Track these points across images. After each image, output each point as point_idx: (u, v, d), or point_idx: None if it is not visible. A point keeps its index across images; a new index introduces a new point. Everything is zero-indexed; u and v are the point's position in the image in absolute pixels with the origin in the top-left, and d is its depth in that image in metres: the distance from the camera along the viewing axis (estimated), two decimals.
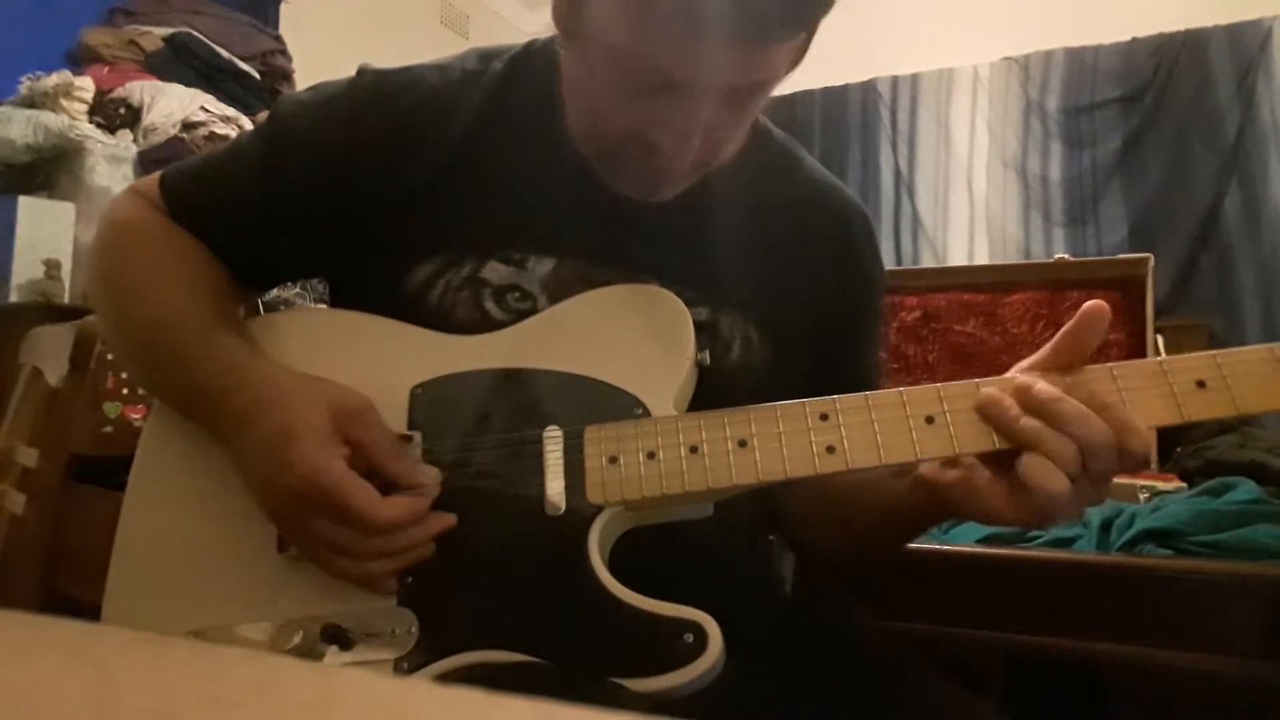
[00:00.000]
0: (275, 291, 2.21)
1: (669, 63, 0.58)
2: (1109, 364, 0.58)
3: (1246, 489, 1.05)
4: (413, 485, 0.60)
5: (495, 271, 0.70)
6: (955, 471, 0.59)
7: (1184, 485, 1.26)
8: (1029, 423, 0.55)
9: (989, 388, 0.58)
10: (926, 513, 0.64)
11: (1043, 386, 0.56)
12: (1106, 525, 1.03)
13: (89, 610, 0.75)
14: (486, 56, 0.77)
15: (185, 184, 0.76)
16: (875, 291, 0.83)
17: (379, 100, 0.73)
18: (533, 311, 0.69)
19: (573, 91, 0.69)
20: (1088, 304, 0.58)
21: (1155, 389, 0.56)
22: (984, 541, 1.05)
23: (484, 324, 0.69)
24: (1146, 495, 1.20)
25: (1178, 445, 1.49)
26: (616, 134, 0.65)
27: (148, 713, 0.17)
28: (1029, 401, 0.56)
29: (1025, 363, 0.60)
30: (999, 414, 0.56)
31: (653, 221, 0.71)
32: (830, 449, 0.58)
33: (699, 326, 0.67)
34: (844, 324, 0.79)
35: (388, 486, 0.60)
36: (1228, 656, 0.85)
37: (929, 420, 0.58)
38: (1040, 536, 1.05)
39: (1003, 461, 0.57)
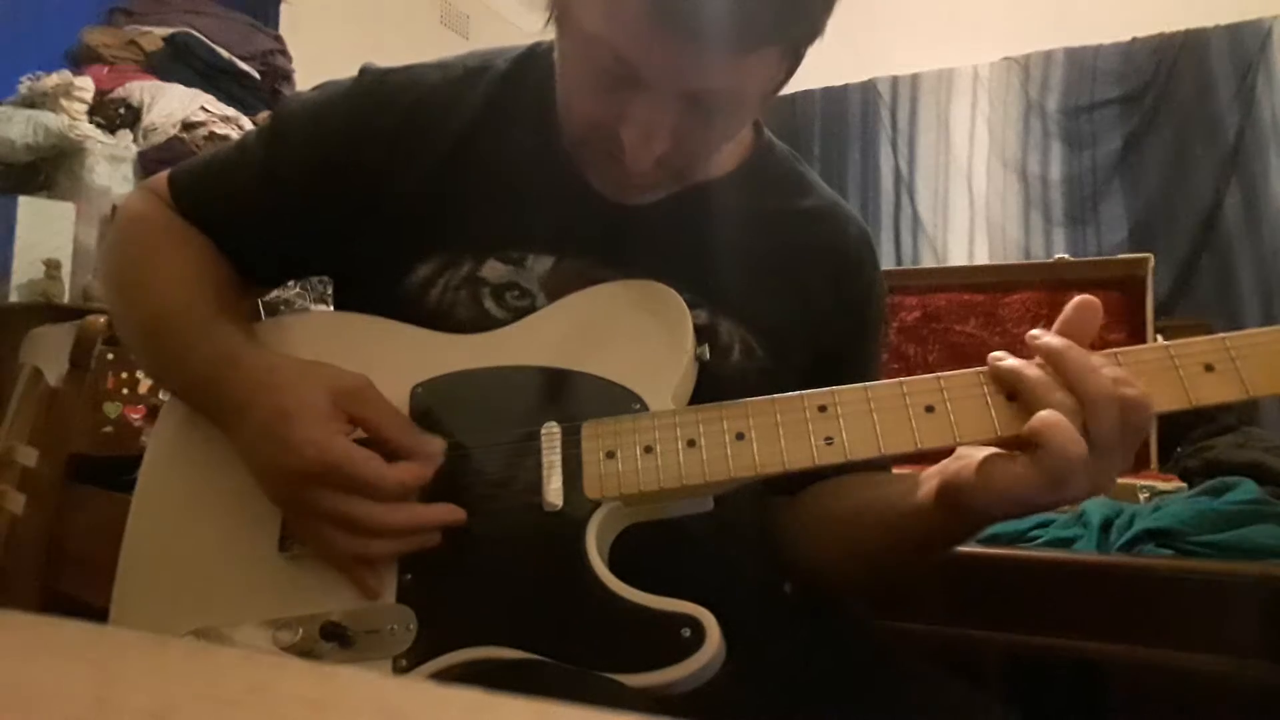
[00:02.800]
0: (275, 291, 2.21)
1: (634, 57, 0.58)
2: (1114, 349, 0.57)
3: (1246, 489, 1.05)
4: (420, 454, 0.61)
5: (494, 270, 0.70)
6: (958, 462, 0.58)
7: (1184, 485, 1.26)
8: (1036, 375, 0.55)
9: (1000, 351, 0.57)
10: (937, 518, 0.62)
11: (1050, 338, 0.56)
12: (1106, 525, 1.03)
13: (89, 610, 0.75)
14: (490, 56, 0.77)
15: (192, 181, 0.78)
16: (874, 308, 0.82)
17: (380, 98, 0.73)
18: (532, 309, 0.69)
19: (558, 79, 0.69)
20: (1078, 297, 0.57)
21: (1162, 373, 0.55)
22: (984, 541, 1.05)
23: (484, 322, 0.69)
24: (1146, 495, 1.20)
25: (1178, 445, 1.49)
26: (585, 125, 0.65)
27: (147, 713, 0.17)
28: (1037, 348, 0.56)
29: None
30: (1007, 371, 0.56)
31: (652, 225, 0.71)
32: (829, 440, 0.58)
33: (698, 329, 0.67)
34: (842, 339, 0.79)
35: (392, 461, 0.60)
36: (1228, 656, 0.85)
37: (929, 409, 0.57)
38: (1040, 536, 1.05)
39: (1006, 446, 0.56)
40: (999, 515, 0.61)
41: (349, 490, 0.58)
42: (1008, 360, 0.57)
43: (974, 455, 0.58)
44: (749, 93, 0.63)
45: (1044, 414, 0.53)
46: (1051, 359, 0.55)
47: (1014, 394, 0.56)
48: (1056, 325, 0.58)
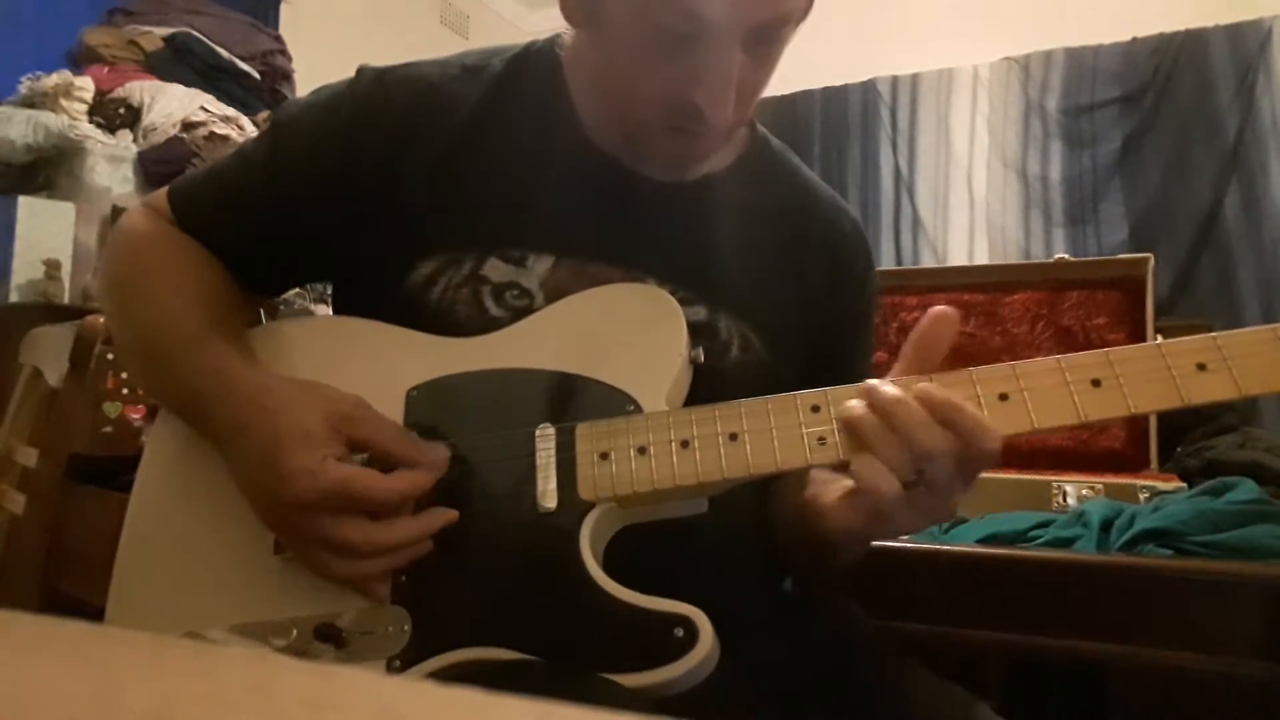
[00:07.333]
0: None
1: (699, 3, 0.59)
2: (1107, 349, 0.57)
3: (1246, 489, 1.05)
4: (424, 464, 0.61)
5: (495, 269, 0.70)
6: (811, 489, 0.62)
7: (1184, 485, 1.26)
8: (868, 422, 0.57)
9: (853, 402, 0.59)
10: (815, 535, 0.67)
11: (887, 389, 0.57)
12: (1106, 525, 1.03)
13: (89, 610, 0.75)
14: (487, 54, 0.77)
15: (191, 192, 0.77)
16: (867, 300, 0.83)
17: (378, 97, 0.73)
18: (530, 309, 0.69)
19: (591, 83, 0.69)
20: (935, 308, 0.59)
21: (1154, 373, 0.55)
22: (984, 541, 1.05)
23: (483, 321, 0.69)
24: (1146, 495, 1.20)
25: (1178, 445, 1.49)
26: (649, 108, 0.66)
27: (147, 713, 0.17)
28: (873, 402, 0.57)
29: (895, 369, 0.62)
30: (848, 417, 0.58)
31: (652, 222, 0.71)
32: (821, 440, 0.59)
33: (697, 326, 0.67)
34: (837, 332, 0.80)
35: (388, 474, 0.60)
36: (1228, 656, 0.85)
37: None
38: (1040, 536, 1.05)
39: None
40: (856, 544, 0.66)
41: (344, 512, 0.58)
42: (851, 411, 0.58)
43: (831, 488, 0.64)
44: (792, 21, 0.64)
45: (860, 464, 0.57)
46: (884, 414, 0.56)
47: (860, 445, 0.58)
48: (913, 335, 0.60)
